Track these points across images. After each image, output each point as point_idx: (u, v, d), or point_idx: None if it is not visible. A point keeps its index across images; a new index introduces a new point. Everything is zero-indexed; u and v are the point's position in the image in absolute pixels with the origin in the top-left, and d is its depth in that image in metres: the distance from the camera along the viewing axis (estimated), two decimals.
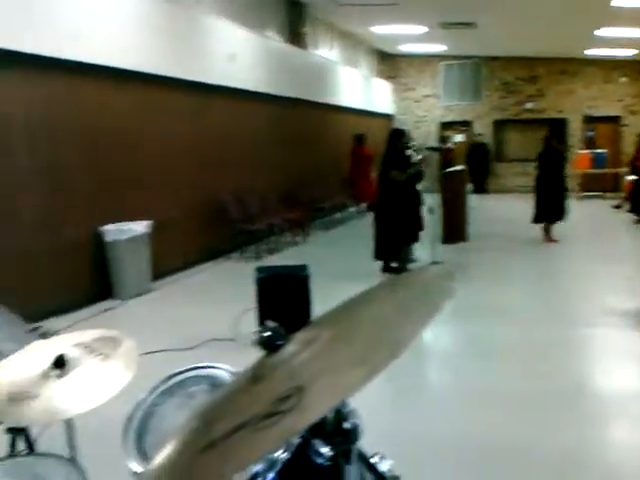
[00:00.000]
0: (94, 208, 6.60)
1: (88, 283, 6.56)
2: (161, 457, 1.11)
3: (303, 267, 5.24)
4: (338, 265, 8.06)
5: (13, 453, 2.54)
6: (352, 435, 1.21)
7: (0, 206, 5.53)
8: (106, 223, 6.64)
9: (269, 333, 1.13)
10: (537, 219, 9.66)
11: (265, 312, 4.81)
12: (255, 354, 1.26)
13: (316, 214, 11.79)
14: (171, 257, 7.71)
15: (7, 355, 2.32)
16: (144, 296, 6.82)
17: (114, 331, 2.09)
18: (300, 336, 1.20)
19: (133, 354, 1.92)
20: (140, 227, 6.80)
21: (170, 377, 1.86)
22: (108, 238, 6.60)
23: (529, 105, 18.28)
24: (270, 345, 1.15)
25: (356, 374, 0.94)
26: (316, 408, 0.95)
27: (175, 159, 7.94)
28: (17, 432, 2.61)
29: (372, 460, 1.41)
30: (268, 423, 0.94)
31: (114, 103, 6.89)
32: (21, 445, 2.65)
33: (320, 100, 13.34)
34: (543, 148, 9.74)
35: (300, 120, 12.08)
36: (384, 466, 1.42)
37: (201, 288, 7.26)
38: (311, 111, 12.73)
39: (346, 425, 1.20)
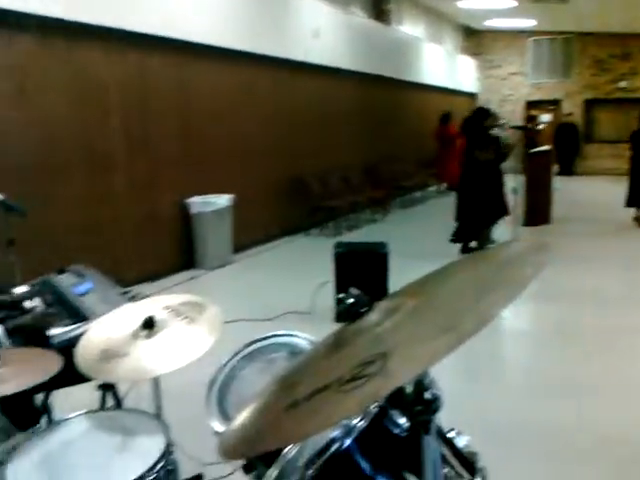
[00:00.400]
0: (182, 180, 6.82)
1: (174, 252, 6.82)
2: (244, 415, 1.15)
3: (383, 244, 5.23)
4: (416, 244, 7.98)
5: (103, 408, 2.69)
6: (432, 406, 1.21)
7: (97, 176, 5.82)
8: (192, 195, 6.86)
9: (352, 300, 1.14)
10: (630, 202, 9.22)
11: (342, 287, 4.84)
12: (332, 327, 1.28)
13: (397, 192, 11.70)
14: (252, 230, 7.86)
15: (100, 316, 2.45)
16: (226, 267, 7.02)
17: (200, 297, 2.16)
18: (383, 304, 1.20)
19: (217, 320, 1.97)
20: (224, 200, 6.98)
21: (251, 343, 1.91)
22: (194, 210, 6.82)
23: (622, 84, 17.35)
24: (353, 312, 1.16)
25: (441, 342, 0.93)
26: (400, 374, 0.95)
27: (259, 135, 8.06)
28: (107, 388, 2.76)
29: (449, 435, 1.40)
30: (351, 386, 0.95)
31: (204, 79, 7.07)
32: (110, 401, 2.81)
33: (404, 77, 13.15)
34: (638, 127, 9.26)
35: (383, 97, 11.97)
36: (461, 442, 1.42)
37: (280, 262, 7.38)
38: (394, 88, 12.58)
39: (427, 395, 1.20)
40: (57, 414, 2.83)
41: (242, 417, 1.17)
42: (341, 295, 1.16)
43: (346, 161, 10.19)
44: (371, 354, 1.00)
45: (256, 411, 1.11)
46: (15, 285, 3.06)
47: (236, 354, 1.91)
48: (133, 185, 6.23)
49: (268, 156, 8.28)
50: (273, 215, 8.42)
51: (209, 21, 7.05)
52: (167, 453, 1.66)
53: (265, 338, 1.91)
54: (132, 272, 5.74)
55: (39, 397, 2.81)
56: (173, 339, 1.91)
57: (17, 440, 1.93)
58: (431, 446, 1.25)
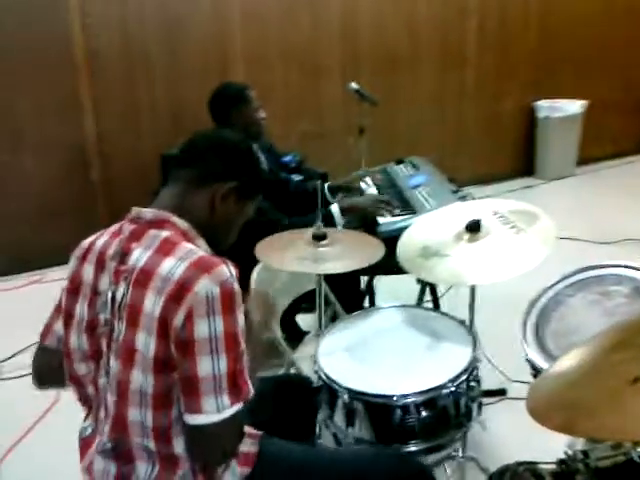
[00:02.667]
0: (531, 81, 6.38)
1: (513, 157, 6.52)
2: (565, 368, 0.96)
3: None
4: None
5: (419, 304, 2.73)
6: None
7: (448, 73, 5.79)
8: (541, 98, 6.39)
9: None
10: None
11: None
12: None
13: None
14: (600, 143, 7.06)
15: (428, 211, 2.42)
16: (567, 179, 6.48)
17: (533, 207, 1.97)
18: None
19: (550, 234, 1.77)
20: (575, 107, 6.35)
21: (587, 269, 1.68)
22: (540, 114, 6.36)
23: None
24: None
25: None
26: None
27: (612, 35, 7.01)
28: (426, 285, 2.78)
29: None
30: None
31: None
32: (428, 298, 2.84)
33: None
34: None
35: None
36: None
37: (630, 181, 6.54)
38: None
39: None
40: (379, 300, 2.98)
41: (562, 369, 0.97)
42: None
43: None
44: None
45: (582, 368, 0.89)
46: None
47: (566, 277, 1.70)
48: (481, 84, 6.04)
49: (628, 60, 7.18)
50: (628, 127, 7.40)
51: None
52: (472, 367, 1.58)
53: (604, 266, 1.65)
54: (466, 172, 5.65)
55: (364, 280, 2.98)
56: (497, 247, 1.79)
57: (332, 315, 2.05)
58: None
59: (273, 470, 1.35)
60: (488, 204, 2.07)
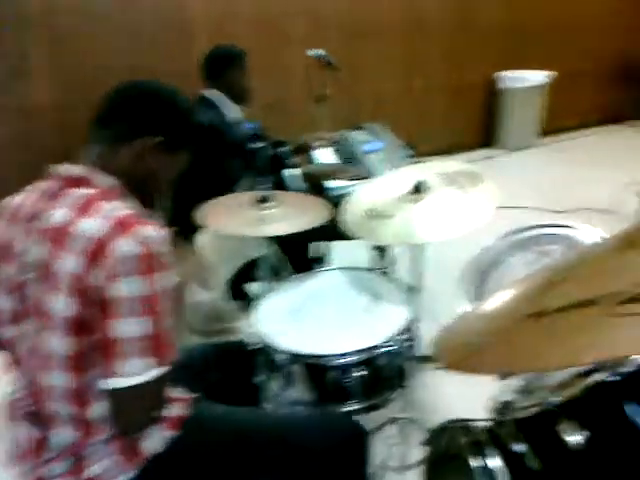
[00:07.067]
0: (492, 52, 6.36)
1: (475, 129, 6.53)
2: (485, 307, 0.96)
3: None
4: None
5: (371, 267, 2.72)
6: None
7: (415, 43, 5.72)
8: (503, 69, 6.39)
9: None
10: None
11: None
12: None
13: None
14: (566, 114, 7.10)
15: (379, 176, 2.39)
16: (528, 150, 6.52)
17: (477, 167, 1.97)
18: None
19: (493, 196, 1.77)
20: (538, 77, 6.36)
21: (525, 229, 1.67)
22: (502, 85, 6.36)
23: None
24: None
25: None
26: None
27: (581, 6, 7.01)
28: (380, 250, 2.79)
29: None
30: (629, 310, 0.68)
31: None
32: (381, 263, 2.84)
33: None
34: None
35: None
36: None
37: (590, 153, 6.60)
38: None
39: None
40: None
41: (484, 306, 0.98)
42: None
43: None
44: None
45: (498, 308, 0.90)
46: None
47: (505, 237, 1.69)
48: (446, 54, 6.03)
49: (594, 30, 7.19)
50: (591, 99, 7.44)
51: None
52: (408, 328, 1.57)
53: (543, 226, 1.65)
54: (428, 143, 5.63)
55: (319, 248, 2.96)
56: (442, 207, 1.77)
57: (278, 281, 2.02)
58: None
59: (207, 434, 1.33)
60: (435, 166, 2.06)
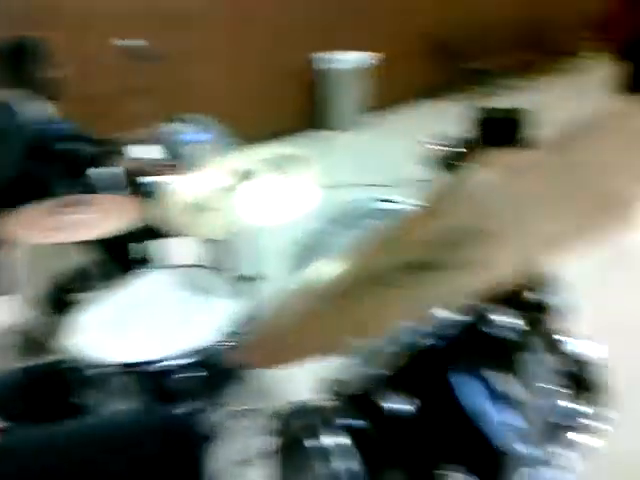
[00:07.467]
0: (313, 34, 6.45)
1: (300, 111, 6.60)
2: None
3: (523, 111, 4.71)
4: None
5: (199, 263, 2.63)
6: (547, 306, 0.92)
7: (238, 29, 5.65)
8: (323, 51, 6.50)
9: (451, 149, 0.84)
10: None
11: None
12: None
13: (551, 57, 10.43)
14: (391, 91, 7.39)
15: (199, 168, 2.31)
16: (354, 130, 6.72)
17: (302, 151, 1.96)
18: (507, 159, 0.84)
19: (316, 179, 1.78)
20: (358, 57, 6.57)
21: (347, 206, 1.68)
22: (324, 66, 6.48)
23: None
24: (450, 165, 0.86)
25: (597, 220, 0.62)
26: (505, 265, 0.66)
27: None
28: (209, 243, 2.69)
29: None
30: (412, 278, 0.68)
31: None
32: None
33: None
34: None
35: None
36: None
37: (414, 127, 6.94)
38: None
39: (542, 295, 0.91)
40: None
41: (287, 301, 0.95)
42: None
43: (495, 17, 9.12)
44: (466, 232, 0.72)
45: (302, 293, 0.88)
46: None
47: (331, 217, 1.69)
48: (268, 39, 6.04)
49: (411, 11, 7.56)
50: (412, 77, 7.82)
51: None
52: (238, 322, 1.52)
53: (361, 201, 1.66)
54: (253, 128, 5.61)
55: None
56: (267, 194, 1.75)
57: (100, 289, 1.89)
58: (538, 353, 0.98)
59: (12, 460, 1.20)
60: (259, 152, 2.03)
